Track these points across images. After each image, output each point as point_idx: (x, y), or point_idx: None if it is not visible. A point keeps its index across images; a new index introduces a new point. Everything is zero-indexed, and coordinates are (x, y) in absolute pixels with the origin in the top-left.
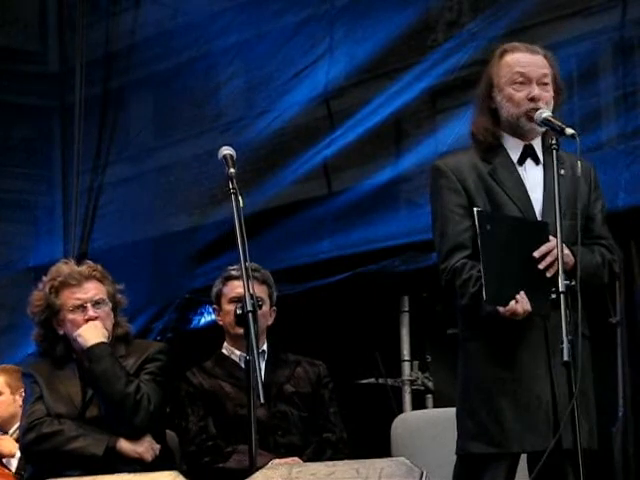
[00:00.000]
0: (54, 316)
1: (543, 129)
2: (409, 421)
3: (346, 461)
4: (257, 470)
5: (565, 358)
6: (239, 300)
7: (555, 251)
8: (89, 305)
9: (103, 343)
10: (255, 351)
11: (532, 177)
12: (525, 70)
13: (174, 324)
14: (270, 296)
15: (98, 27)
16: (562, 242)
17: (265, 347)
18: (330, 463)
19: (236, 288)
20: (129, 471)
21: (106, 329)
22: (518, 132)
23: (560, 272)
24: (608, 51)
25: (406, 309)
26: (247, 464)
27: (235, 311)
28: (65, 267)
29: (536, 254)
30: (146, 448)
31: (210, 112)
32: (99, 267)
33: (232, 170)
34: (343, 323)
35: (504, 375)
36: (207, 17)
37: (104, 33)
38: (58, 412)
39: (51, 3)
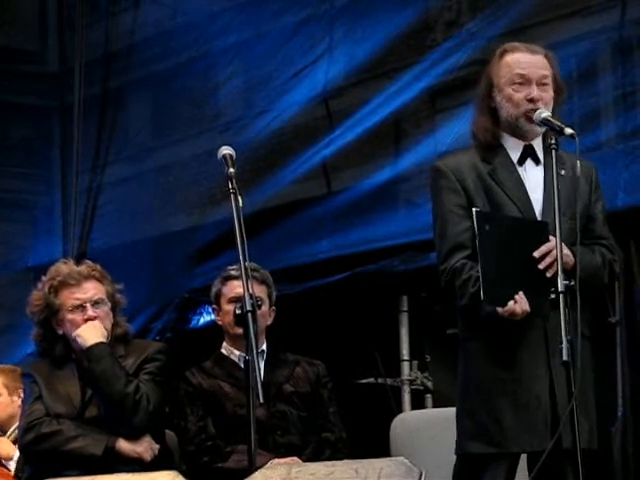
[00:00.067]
0: (53, 316)
1: (543, 129)
2: (408, 421)
3: (345, 461)
4: (256, 470)
5: (564, 358)
6: (238, 300)
7: (555, 251)
8: (88, 305)
9: (102, 343)
10: (254, 351)
11: (532, 177)
12: (525, 71)
13: (173, 324)
14: (269, 296)
15: (97, 27)
16: (562, 242)
17: (264, 347)
18: (329, 463)
19: (235, 288)
20: (128, 471)
21: (105, 329)
22: (518, 132)
23: (559, 272)
24: (607, 51)
25: (405, 309)
26: (246, 464)
27: (234, 311)
28: (64, 267)
29: (536, 254)
30: (145, 448)
31: (209, 112)
32: (98, 267)
33: (231, 170)
34: (342, 323)
35: (504, 375)
36: (206, 17)
37: (103, 33)
38: (57, 412)
39: (51, 3)
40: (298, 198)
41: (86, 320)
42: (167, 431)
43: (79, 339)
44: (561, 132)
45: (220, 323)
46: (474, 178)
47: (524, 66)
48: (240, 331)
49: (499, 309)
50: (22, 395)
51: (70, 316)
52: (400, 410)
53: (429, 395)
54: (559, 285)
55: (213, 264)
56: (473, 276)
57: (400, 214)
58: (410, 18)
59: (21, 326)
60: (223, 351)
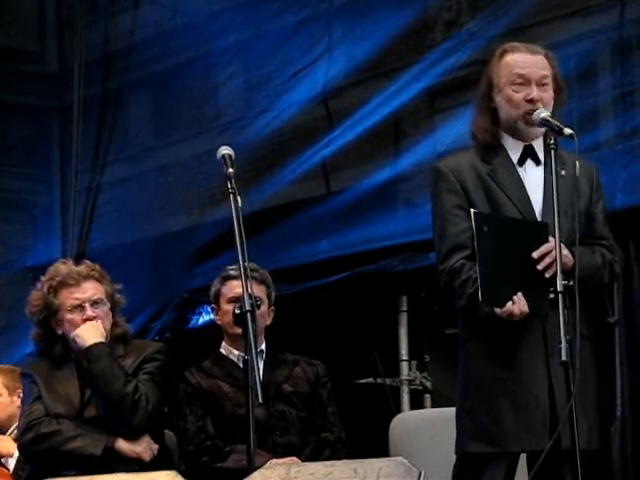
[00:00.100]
0: (52, 316)
1: (543, 130)
2: (407, 421)
3: (344, 461)
4: (255, 470)
5: (563, 358)
6: (237, 300)
7: (554, 252)
8: (87, 305)
9: (101, 343)
10: (253, 351)
11: (532, 178)
12: (524, 71)
13: (172, 324)
14: (268, 296)
15: (97, 27)
16: (561, 242)
17: (263, 347)
18: (328, 463)
19: (235, 288)
20: (127, 471)
21: (104, 329)
22: (517, 134)
23: (558, 272)
24: (606, 51)
25: (404, 309)
26: (245, 464)
27: (233, 311)
28: (63, 267)
29: (535, 255)
30: (144, 448)
31: (209, 112)
32: (97, 267)
33: (231, 170)
34: (341, 323)
35: (504, 375)
36: (206, 17)
37: (103, 33)
38: (56, 412)
39: (50, 3)
40: (297, 198)
41: (85, 320)
42: (166, 431)
43: (78, 339)
44: (560, 132)
45: (219, 323)
46: (474, 178)
47: (523, 66)
48: (239, 331)
49: (497, 310)
50: (22, 395)
51: (69, 316)
52: (399, 410)
53: (428, 395)
54: (558, 285)
55: (212, 264)
56: (472, 277)
57: (399, 214)
58: (409, 18)
59: (20, 326)
60: (222, 351)
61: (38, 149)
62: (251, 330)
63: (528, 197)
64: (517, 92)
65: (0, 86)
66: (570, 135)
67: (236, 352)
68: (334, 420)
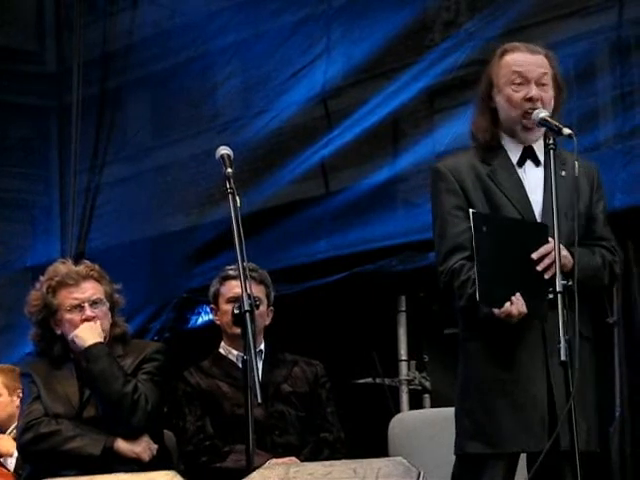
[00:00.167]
0: (51, 316)
1: (542, 133)
2: (406, 421)
3: (343, 461)
4: (254, 470)
5: (562, 358)
6: (236, 300)
7: (554, 253)
8: (86, 305)
9: (100, 343)
10: (252, 351)
11: (532, 178)
12: (523, 70)
13: (171, 324)
14: (267, 296)
15: (95, 27)
16: (560, 243)
17: (262, 347)
18: (327, 463)
19: (234, 288)
20: (126, 471)
21: (103, 329)
22: (516, 136)
23: (557, 272)
24: (605, 51)
25: (403, 309)
26: (244, 464)
27: (232, 311)
28: (62, 267)
29: (534, 256)
30: (143, 448)
31: (207, 112)
32: (96, 267)
33: (229, 170)
34: (340, 323)
35: (503, 376)
36: (204, 17)
37: (102, 33)
38: (56, 412)
39: (49, 3)
40: (296, 198)
41: (84, 320)
42: (165, 431)
43: (77, 339)
44: (559, 132)
45: (218, 323)
46: (473, 179)
47: (522, 65)
48: (238, 331)
49: (495, 310)
50: (21, 395)
51: (68, 316)
52: (398, 410)
53: (427, 395)
54: (557, 285)
55: (211, 264)
56: (472, 277)
57: (398, 214)
58: (408, 18)
59: (19, 326)
60: (221, 351)
61: (37, 149)
62: (250, 330)
63: (528, 198)
64: (517, 92)
65: None
66: (569, 135)
67: (235, 352)
68: (333, 420)
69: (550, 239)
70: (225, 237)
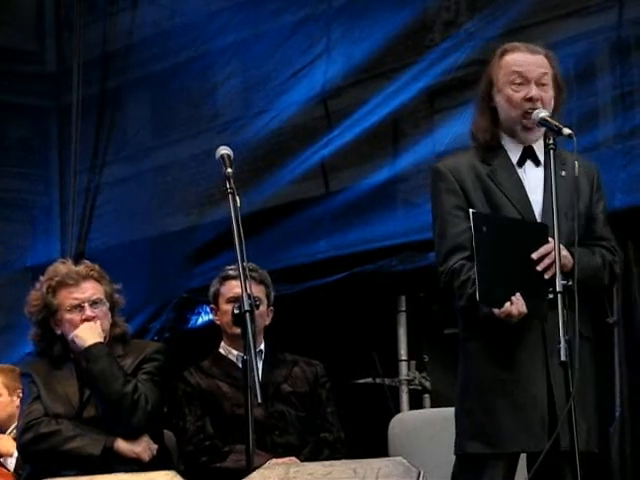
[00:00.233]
0: (51, 316)
1: (542, 134)
2: (406, 421)
3: (343, 461)
4: (254, 470)
5: (562, 358)
6: (236, 300)
7: (554, 253)
8: (86, 305)
9: (100, 343)
10: (252, 351)
11: (532, 178)
12: (523, 69)
13: (171, 324)
14: (267, 296)
15: (95, 27)
16: (560, 243)
17: (262, 347)
18: (327, 463)
19: (234, 288)
20: (126, 471)
21: (103, 329)
22: (516, 137)
23: (557, 272)
24: (605, 51)
25: (403, 309)
26: (244, 464)
27: (232, 311)
28: (62, 267)
29: (534, 256)
30: (143, 448)
31: (207, 112)
32: (96, 267)
33: (229, 170)
34: (340, 323)
35: (503, 376)
36: (204, 17)
37: (101, 33)
38: (56, 412)
39: (49, 3)
40: (296, 198)
41: (84, 320)
42: (165, 431)
43: (77, 340)
44: (559, 132)
45: (218, 323)
46: (473, 179)
47: (522, 64)
48: (238, 331)
49: (495, 310)
50: (21, 395)
51: (68, 316)
52: (398, 410)
53: (427, 395)
54: (557, 285)
55: (211, 264)
56: (472, 277)
57: (398, 214)
58: (408, 18)
59: (19, 326)
60: (221, 351)
61: (37, 149)
62: (250, 330)
63: (528, 198)
64: (517, 92)
65: None
66: (569, 135)
67: (235, 352)
68: (333, 420)
69: (550, 239)
70: (225, 237)
